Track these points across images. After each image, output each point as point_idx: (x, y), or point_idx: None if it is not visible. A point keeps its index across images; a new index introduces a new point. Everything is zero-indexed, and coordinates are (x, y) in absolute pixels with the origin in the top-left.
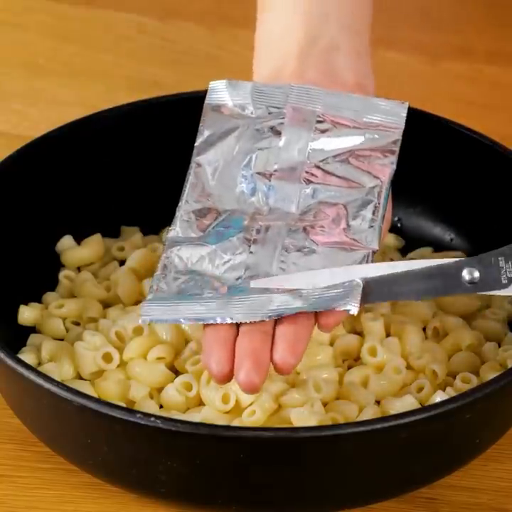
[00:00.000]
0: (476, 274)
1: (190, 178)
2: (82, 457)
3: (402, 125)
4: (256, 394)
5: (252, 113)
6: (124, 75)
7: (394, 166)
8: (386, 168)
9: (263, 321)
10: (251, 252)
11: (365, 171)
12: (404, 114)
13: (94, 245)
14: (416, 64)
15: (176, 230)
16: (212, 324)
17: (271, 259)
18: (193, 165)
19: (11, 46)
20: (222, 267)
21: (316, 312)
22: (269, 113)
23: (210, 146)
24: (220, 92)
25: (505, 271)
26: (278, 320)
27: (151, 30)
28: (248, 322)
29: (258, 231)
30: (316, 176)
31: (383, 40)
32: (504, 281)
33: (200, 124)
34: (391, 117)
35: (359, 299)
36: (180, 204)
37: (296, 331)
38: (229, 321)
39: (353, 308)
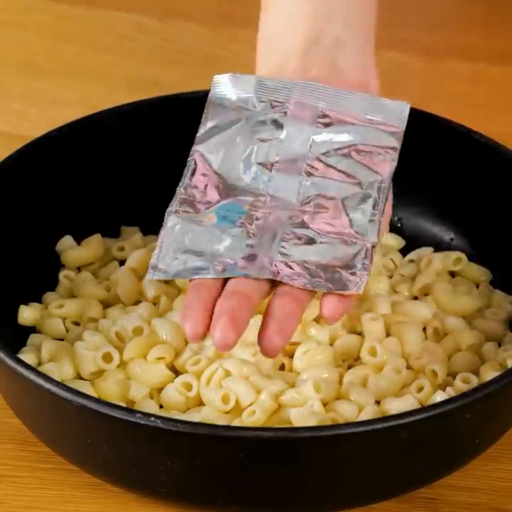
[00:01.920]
0: None
1: (192, 163)
2: (82, 457)
3: (404, 124)
4: (229, 351)
5: (254, 106)
6: (124, 75)
7: (394, 163)
8: (387, 164)
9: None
10: (251, 237)
11: (366, 165)
12: (406, 113)
13: (94, 245)
14: (416, 64)
15: (175, 208)
16: (196, 281)
17: (271, 245)
18: (193, 153)
19: (11, 46)
20: (221, 249)
21: (320, 300)
22: (272, 107)
23: (211, 136)
24: (224, 86)
25: None
26: (272, 295)
27: (151, 30)
28: (233, 285)
29: (258, 218)
30: (317, 169)
31: (383, 40)
32: None
33: (203, 116)
34: (393, 116)
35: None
36: (180, 184)
37: (287, 310)
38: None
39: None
